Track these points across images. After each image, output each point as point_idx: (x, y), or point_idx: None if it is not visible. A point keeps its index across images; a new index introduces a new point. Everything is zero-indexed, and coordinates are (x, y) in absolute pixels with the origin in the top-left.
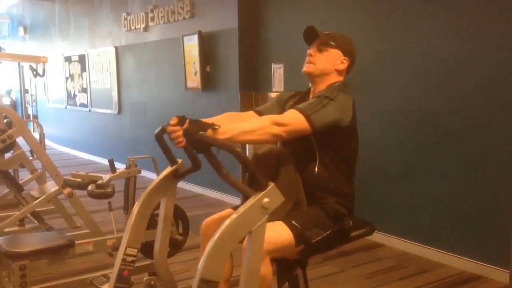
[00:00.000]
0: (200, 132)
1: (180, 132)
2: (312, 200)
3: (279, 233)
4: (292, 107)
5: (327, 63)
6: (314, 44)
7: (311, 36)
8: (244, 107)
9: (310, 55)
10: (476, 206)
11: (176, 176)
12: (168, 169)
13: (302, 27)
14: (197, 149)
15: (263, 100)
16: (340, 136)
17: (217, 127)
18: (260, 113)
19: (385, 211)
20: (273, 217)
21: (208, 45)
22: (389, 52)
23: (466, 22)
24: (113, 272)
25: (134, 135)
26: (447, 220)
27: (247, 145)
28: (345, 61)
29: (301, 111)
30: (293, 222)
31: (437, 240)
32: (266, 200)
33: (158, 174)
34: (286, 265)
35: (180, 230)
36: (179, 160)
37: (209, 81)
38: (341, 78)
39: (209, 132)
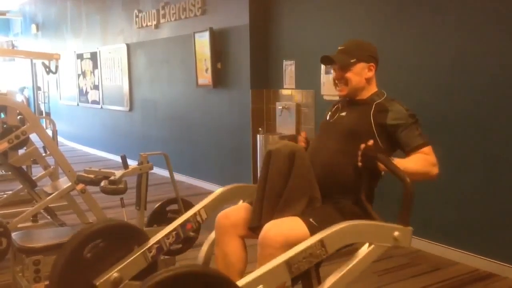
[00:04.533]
0: (380, 154)
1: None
2: (330, 198)
3: (295, 229)
4: (337, 116)
5: (357, 78)
6: (335, 67)
7: (329, 61)
8: (255, 104)
9: (338, 79)
10: (490, 204)
11: None
12: None
13: (313, 24)
14: (368, 164)
15: (274, 97)
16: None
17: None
18: None
19: (397, 208)
20: (287, 213)
21: (219, 42)
22: (399, 49)
23: (476, 21)
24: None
25: (145, 132)
26: (460, 218)
27: (258, 137)
28: (372, 67)
29: (427, 144)
30: (311, 219)
31: (450, 238)
32: (398, 233)
33: (170, 171)
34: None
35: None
36: None
37: (220, 78)
38: (374, 83)
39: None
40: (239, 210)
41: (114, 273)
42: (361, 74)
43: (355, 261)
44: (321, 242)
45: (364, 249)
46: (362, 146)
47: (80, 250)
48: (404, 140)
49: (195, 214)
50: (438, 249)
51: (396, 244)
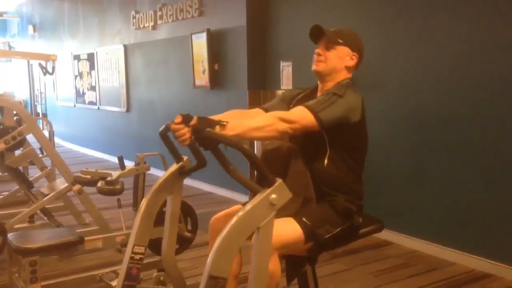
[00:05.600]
0: (208, 129)
1: (184, 130)
2: (322, 197)
3: (289, 230)
4: (299, 104)
5: (336, 60)
6: (321, 43)
7: (317, 34)
8: (253, 105)
9: (319, 54)
10: (486, 204)
11: (182, 173)
12: (174, 166)
13: (311, 25)
14: (204, 146)
15: (272, 98)
16: (349, 133)
17: (224, 123)
18: (266, 110)
19: (394, 208)
20: (281, 213)
21: (216, 43)
22: (398, 49)
23: (476, 22)
24: (121, 270)
25: (142, 133)
26: (457, 218)
27: (255, 141)
28: (354, 57)
29: (308, 107)
30: (303, 219)
31: (446, 238)
32: (273, 196)
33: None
34: (295, 262)
35: (189, 228)
36: (184, 157)
37: (217, 79)
38: (349, 75)
39: (217, 128)
40: (232, 213)
41: None
42: (342, 58)
43: (258, 253)
44: (212, 278)
45: (257, 239)
46: (190, 130)
47: None
48: None
49: (131, 257)
50: (434, 249)
51: (277, 207)
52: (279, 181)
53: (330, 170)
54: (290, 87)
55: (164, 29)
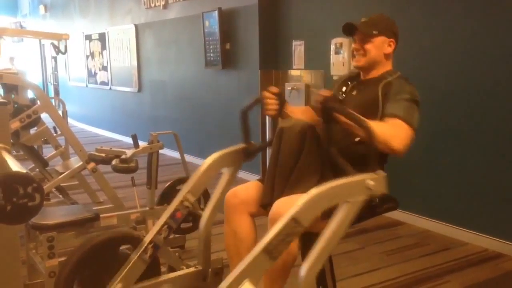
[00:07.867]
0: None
1: (275, 101)
2: (340, 175)
3: None
4: (347, 95)
5: (375, 51)
6: (356, 37)
7: (350, 30)
8: (264, 85)
9: (357, 49)
10: (499, 183)
11: (246, 154)
12: (242, 145)
13: (323, 3)
14: (326, 116)
15: (283, 78)
16: None
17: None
18: None
19: (406, 189)
20: (298, 190)
21: (228, 22)
22: (410, 28)
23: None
24: (167, 211)
25: (154, 113)
26: (469, 198)
27: (267, 118)
28: (391, 43)
29: (406, 121)
30: None
31: (459, 218)
32: (372, 183)
33: (180, 150)
34: (311, 239)
35: (203, 206)
36: (252, 142)
37: (229, 58)
38: (390, 61)
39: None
40: (248, 188)
41: (117, 285)
42: (380, 48)
43: (333, 225)
44: (294, 220)
45: (341, 210)
46: (318, 97)
47: (75, 275)
48: (387, 106)
49: (181, 201)
50: (446, 229)
51: (371, 193)
52: (383, 174)
53: (359, 151)
54: (302, 66)
55: (176, 8)
